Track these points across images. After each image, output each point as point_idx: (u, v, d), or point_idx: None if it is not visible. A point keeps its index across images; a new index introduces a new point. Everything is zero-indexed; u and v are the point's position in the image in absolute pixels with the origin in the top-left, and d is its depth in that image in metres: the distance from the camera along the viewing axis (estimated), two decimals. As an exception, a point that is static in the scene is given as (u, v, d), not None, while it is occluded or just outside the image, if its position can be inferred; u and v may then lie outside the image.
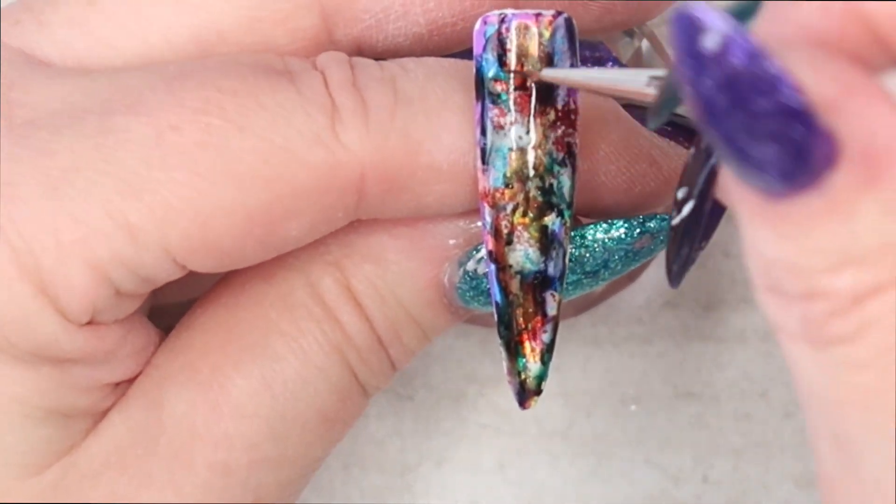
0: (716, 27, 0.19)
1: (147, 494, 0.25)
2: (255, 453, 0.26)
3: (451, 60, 0.27)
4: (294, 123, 0.24)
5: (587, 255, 0.27)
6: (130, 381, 0.27)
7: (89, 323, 0.25)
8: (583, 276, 0.27)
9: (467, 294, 0.27)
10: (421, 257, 0.27)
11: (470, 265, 0.27)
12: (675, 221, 0.25)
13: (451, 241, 0.27)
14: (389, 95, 0.25)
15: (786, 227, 0.19)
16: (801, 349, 0.19)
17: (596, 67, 0.28)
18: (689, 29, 0.19)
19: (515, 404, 0.35)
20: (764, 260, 0.20)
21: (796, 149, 0.19)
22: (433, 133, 0.25)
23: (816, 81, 0.19)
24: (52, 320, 0.24)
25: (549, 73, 0.26)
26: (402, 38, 0.27)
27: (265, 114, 0.24)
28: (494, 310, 0.26)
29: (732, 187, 0.19)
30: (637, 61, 0.32)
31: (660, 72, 0.23)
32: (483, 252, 0.27)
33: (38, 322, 0.24)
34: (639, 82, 0.23)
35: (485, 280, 0.27)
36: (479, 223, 0.27)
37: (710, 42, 0.19)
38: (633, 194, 0.27)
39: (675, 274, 0.27)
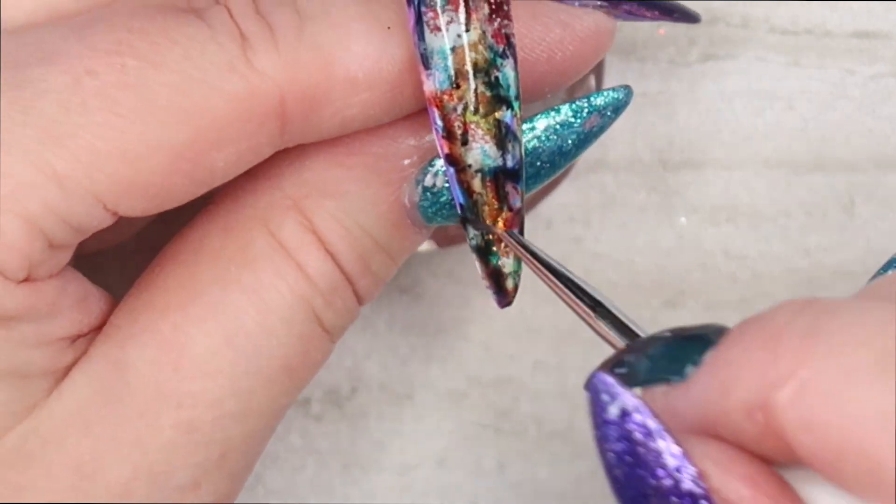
0: (618, 398, 0.21)
1: (113, 456, 0.25)
2: (219, 409, 0.26)
3: None
4: (207, 54, 0.25)
5: (540, 145, 0.27)
6: (86, 335, 0.26)
7: (26, 279, 0.25)
8: (541, 167, 0.28)
9: (429, 210, 0.27)
10: (379, 182, 0.27)
11: (427, 180, 0.27)
12: None
13: (406, 162, 0.27)
14: (293, 16, 0.25)
15: None
16: None
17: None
18: (599, 394, 0.21)
19: (516, 404, 0.35)
20: None
21: None
22: (342, 44, 0.25)
23: (723, 479, 0.20)
24: None
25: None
26: None
27: (178, 48, 0.25)
28: (460, 213, 0.26)
29: None
30: None
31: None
32: (438, 164, 0.27)
33: None
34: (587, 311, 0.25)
35: (445, 192, 0.27)
36: (428, 138, 0.27)
37: (613, 411, 0.21)
38: (557, 62, 0.27)
39: None
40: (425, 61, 0.25)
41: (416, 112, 0.27)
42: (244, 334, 0.26)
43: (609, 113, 0.28)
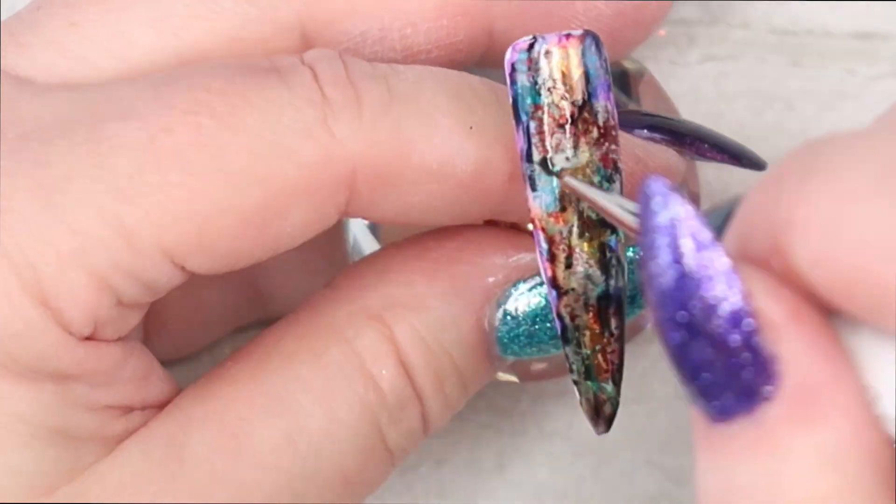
0: (672, 205, 0.19)
1: None
2: None
3: (436, 67, 0.27)
4: (284, 119, 0.25)
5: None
6: (141, 410, 0.26)
7: (91, 338, 0.25)
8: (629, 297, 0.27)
9: (506, 336, 0.27)
10: (462, 300, 0.27)
11: (510, 304, 0.27)
12: None
13: (490, 279, 0.27)
14: (384, 91, 0.25)
15: (719, 455, 0.19)
16: None
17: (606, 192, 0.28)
18: (651, 199, 0.19)
19: (515, 404, 0.35)
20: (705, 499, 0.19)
21: (738, 367, 0.19)
22: (425, 133, 0.25)
23: (766, 301, 0.19)
24: (54, 332, 0.24)
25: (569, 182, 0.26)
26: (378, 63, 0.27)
27: (255, 111, 0.24)
28: (560, 336, 0.26)
29: (692, 410, 0.20)
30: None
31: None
32: (522, 287, 0.26)
33: (41, 334, 0.24)
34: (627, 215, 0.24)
35: (525, 320, 0.27)
36: (516, 258, 0.27)
37: (664, 217, 0.19)
38: (627, 194, 0.27)
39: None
40: (532, 183, 0.25)
41: (506, 229, 0.27)
42: (307, 436, 0.26)
43: None
